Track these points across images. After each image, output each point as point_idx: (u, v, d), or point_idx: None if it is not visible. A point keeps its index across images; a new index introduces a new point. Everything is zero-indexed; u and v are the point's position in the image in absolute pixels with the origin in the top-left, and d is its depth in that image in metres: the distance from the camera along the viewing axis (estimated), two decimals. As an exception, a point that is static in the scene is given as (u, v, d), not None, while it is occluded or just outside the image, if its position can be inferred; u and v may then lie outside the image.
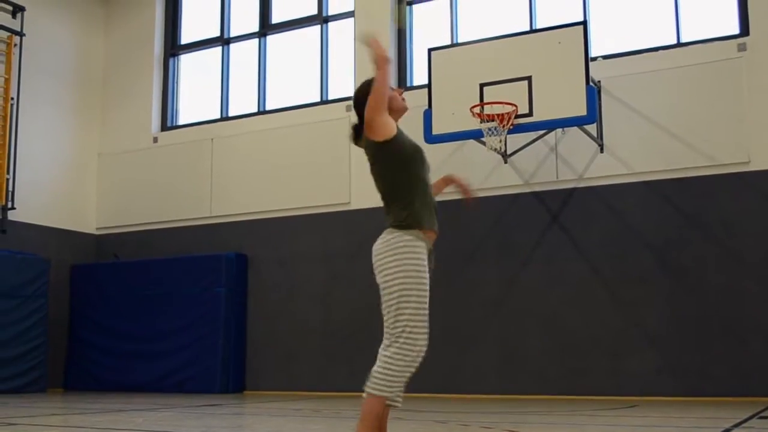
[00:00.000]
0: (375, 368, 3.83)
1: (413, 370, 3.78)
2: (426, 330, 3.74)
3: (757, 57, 8.60)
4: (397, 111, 4.03)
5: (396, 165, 3.88)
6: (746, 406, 7.30)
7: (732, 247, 8.45)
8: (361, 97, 3.95)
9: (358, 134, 4.02)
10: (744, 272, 8.37)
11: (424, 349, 3.77)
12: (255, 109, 11.78)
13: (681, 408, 7.51)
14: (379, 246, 3.90)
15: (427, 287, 3.79)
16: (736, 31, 8.90)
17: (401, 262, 3.79)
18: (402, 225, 3.85)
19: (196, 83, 12.65)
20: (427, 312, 3.76)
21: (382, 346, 3.79)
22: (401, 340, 3.74)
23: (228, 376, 10.66)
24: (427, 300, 3.78)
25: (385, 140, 3.84)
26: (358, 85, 4.07)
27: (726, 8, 9.02)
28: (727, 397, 8.13)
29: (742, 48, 8.69)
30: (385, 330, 3.80)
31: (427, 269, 3.83)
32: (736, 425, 5.70)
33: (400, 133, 3.88)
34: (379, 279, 3.87)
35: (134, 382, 11.01)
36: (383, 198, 3.93)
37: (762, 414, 6.53)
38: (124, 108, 12.56)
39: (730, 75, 8.68)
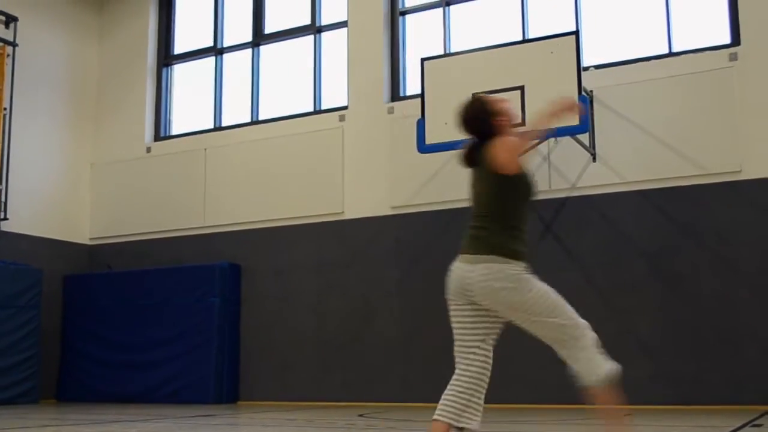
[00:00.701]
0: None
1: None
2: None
3: (749, 67, 8.64)
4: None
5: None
6: (740, 414, 7.31)
7: (725, 255, 8.48)
8: (478, 115, 4.05)
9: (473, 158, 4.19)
10: (737, 280, 8.39)
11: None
12: (248, 119, 11.79)
13: (674, 416, 7.53)
14: None
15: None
16: (727, 41, 8.94)
17: None
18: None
19: (189, 93, 12.66)
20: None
21: None
22: None
23: (222, 386, 10.64)
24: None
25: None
26: (467, 102, 4.13)
27: (717, 18, 9.06)
28: (721, 405, 8.14)
29: (733, 58, 8.73)
30: None
31: None
32: (730, 433, 5.72)
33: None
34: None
35: (128, 393, 10.97)
36: None
37: (755, 422, 6.55)
38: (117, 118, 12.57)
39: (721, 85, 8.72)
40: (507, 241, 3.90)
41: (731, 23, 8.94)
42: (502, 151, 3.83)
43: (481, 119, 4.03)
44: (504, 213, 3.98)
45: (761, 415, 7.20)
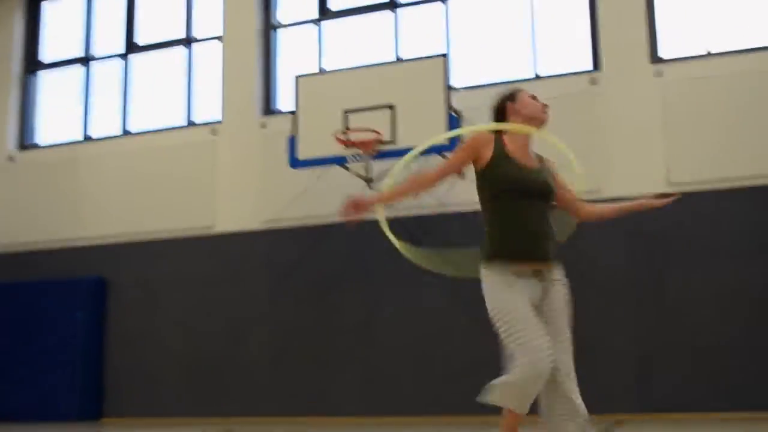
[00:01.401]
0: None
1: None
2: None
3: (607, 91, 9.05)
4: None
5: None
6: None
7: (584, 275, 8.81)
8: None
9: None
10: (594, 298, 8.73)
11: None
12: (119, 131, 11.55)
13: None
14: None
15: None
16: (589, 66, 9.34)
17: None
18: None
19: (58, 102, 12.32)
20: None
21: None
22: None
23: (85, 403, 10.36)
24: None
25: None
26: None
27: (579, 44, 9.46)
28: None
29: (593, 82, 9.12)
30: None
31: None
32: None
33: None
34: None
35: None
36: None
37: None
38: (-22, 125, 12.12)
39: (583, 108, 9.09)
40: (489, 242, 3.87)
41: (592, 49, 9.34)
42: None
43: (501, 106, 4.11)
44: (487, 211, 3.93)
45: (614, 424, 7.50)
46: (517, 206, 3.83)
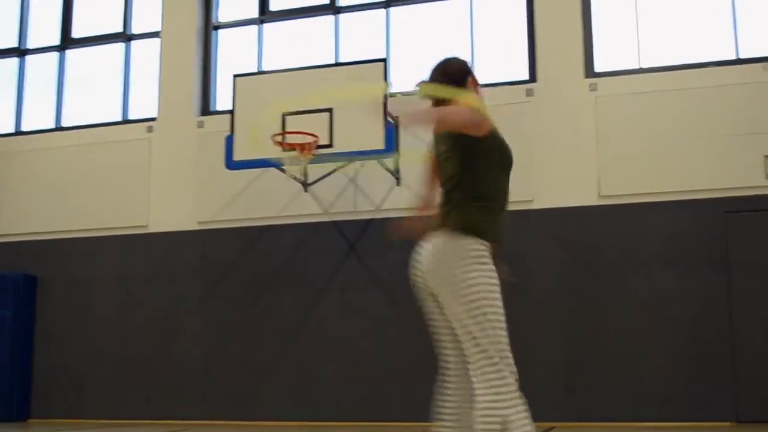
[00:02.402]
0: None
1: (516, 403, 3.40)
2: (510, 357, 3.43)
3: (542, 102, 9.18)
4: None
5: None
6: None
7: (515, 282, 8.91)
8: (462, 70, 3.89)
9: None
10: (525, 304, 8.85)
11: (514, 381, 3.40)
12: (52, 125, 11.36)
13: None
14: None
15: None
16: (525, 77, 9.47)
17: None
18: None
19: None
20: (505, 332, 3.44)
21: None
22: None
23: (11, 404, 10.16)
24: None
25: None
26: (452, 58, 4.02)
27: (517, 55, 9.58)
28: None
29: (529, 93, 9.26)
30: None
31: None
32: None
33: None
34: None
35: None
36: None
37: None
38: None
39: (518, 118, 9.19)
40: (475, 213, 3.51)
41: (529, 61, 9.47)
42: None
43: (461, 76, 3.83)
44: (472, 181, 3.57)
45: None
46: (504, 182, 3.66)
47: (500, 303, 3.42)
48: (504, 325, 3.42)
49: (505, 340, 3.39)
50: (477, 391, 3.34)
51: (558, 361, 8.69)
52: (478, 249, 3.44)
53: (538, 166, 9.06)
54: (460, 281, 3.38)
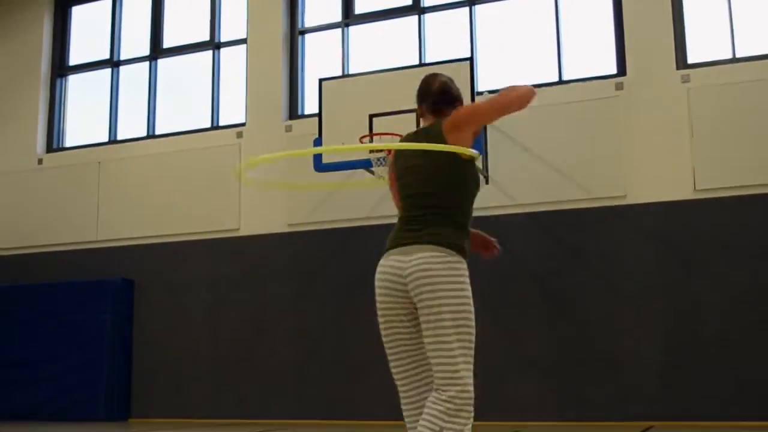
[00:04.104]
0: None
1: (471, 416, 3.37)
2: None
3: (633, 96, 9.01)
4: None
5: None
6: (621, 430, 7.58)
7: (609, 278, 8.79)
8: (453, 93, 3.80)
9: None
10: (619, 303, 8.70)
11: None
12: (144, 134, 11.64)
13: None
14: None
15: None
16: (614, 71, 9.31)
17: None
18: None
19: (84, 105, 12.43)
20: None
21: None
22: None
23: (113, 403, 10.44)
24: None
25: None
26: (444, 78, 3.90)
27: (605, 49, 9.43)
28: (605, 421, 8.43)
29: (619, 87, 9.09)
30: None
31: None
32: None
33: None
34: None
35: (14, 410, 10.64)
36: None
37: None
38: (8, 128, 12.23)
39: (608, 113, 9.06)
40: (457, 234, 3.51)
41: (617, 54, 9.30)
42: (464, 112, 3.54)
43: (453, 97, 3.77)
44: (456, 205, 3.58)
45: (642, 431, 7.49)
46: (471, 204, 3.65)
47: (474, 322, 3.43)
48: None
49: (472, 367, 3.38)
50: (433, 406, 3.29)
51: (654, 359, 8.51)
52: (466, 269, 3.47)
53: (631, 160, 8.90)
54: (457, 299, 3.37)
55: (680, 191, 8.71)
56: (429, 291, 3.38)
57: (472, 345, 3.38)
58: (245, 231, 10.50)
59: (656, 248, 8.71)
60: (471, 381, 3.33)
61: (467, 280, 3.44)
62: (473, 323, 3.40)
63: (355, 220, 9.83)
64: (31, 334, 10.95)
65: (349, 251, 9.80)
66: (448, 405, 3.28)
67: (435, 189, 3.57)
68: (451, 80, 3.88)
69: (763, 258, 8.29)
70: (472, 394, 3.32)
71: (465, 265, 3.46)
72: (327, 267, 9.91)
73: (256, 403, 10.01)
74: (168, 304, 10.71)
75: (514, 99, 3.54)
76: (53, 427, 9.36)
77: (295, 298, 10.04)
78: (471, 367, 3.36)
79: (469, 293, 3.41)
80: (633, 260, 8.75)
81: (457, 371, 3.30)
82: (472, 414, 3.34)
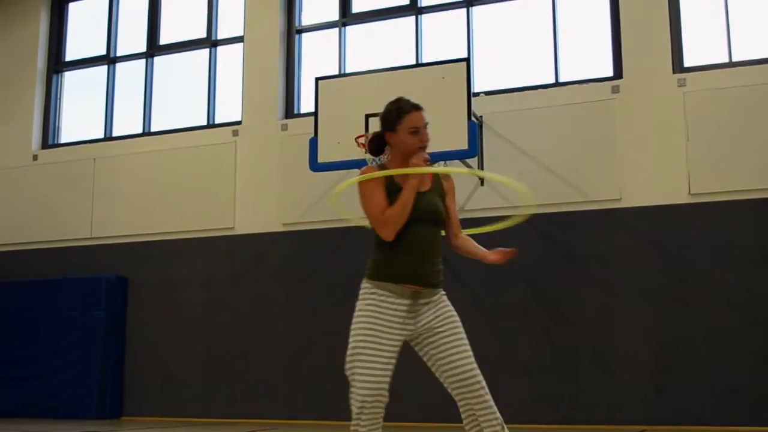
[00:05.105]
0: None
1: (365, 424, 3.70)
2: (369, 380, 3.71)
3: (629, 99, 9.02)
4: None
5: None
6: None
7: (603, 280, 8.79)
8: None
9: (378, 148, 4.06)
10: (613, 305, 8.71)
11: (367, 402, 3.69)
12: (140, 130, 11.63)
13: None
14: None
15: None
16: (610, 73, 9.31)
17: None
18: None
19: (80, 101, 12.41)
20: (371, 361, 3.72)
21: None
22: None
23: (105, 401, 10.42)
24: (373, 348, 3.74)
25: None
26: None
27: (601, 51, 9.43)
28: (597, 425, 8.44)
29: (615, 90, 9.10)
30: None
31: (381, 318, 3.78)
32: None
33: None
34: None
35: (5, 408, 10.63)
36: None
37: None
38: (2, 124, 12.21)
39: (604, 115, 9.07)
40: (377, 259, 3.89)
41: (614, 57, 9.31)
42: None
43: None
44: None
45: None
46: (406, 232, 3.84)
47: None
48: None
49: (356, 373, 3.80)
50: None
51: (647, 362, 8.52)
52: (368, 288, 3.99)
53: (626, 163, 8.90)
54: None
55: (675, 195, 8.72)
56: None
57: (357, 353, 3.73)
58: (240, 230, 10.49)
59: (650, 252, 8.71)
60: (357, 385, 3.69)
61: (366, 299, 3.85)
62: (357, 336, 3.77)
63: (350, 221, 9.81)
64: (23, 330, 10.93)
65: (344, 251, 9.79)
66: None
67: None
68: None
69: (757, 263, 8.30)
70: (356, 397, 3.68)
71: (369, 286, 3.84)
72: (321, 267, 9.90)
73: (248, 403, 10.00)
74: (162, 302, 10.70)
75: None
76: (45, 425, 9.34)
77: (288, 297, 10.03)
78: (362, 368, 3.69)
79: (362, 312, 3.82)
80: (627, 263, 8.75)
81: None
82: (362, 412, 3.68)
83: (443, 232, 4.12)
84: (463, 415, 3.83)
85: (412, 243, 3.81)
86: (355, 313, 3.82)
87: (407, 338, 3.87)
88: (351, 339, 3.76)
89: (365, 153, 8.53)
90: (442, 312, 3.86)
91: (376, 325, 3.73)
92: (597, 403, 8.56)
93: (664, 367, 8.44)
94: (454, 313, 3.94)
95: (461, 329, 3.88)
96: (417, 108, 3.92)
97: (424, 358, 3.89)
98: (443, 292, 4.01)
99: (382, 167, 3.98)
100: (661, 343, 8.50)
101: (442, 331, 3.81)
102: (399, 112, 3.92)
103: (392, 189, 3.84)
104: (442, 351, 3.78)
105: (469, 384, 3.75)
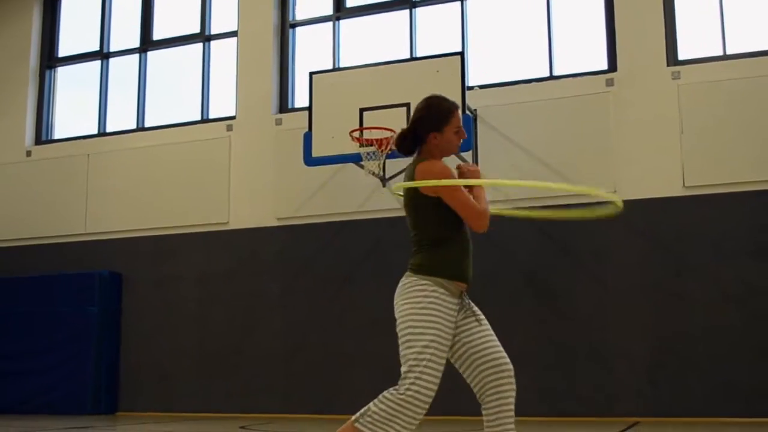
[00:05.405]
0: (372, 404, 3.74)
1: (413, 415, 3.64)
2: (433, 378, 3.63)
3: (623, 92, 9.02)
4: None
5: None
6: (610, 425, 7.60)
7: (598, 274, 8.80)
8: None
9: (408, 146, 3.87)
10: (608, 298, 8.72)
11: (425, 398, 3.62)
12: (133, 126, 11.60)
13: (548, 427, 7.76)
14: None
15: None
16: (604, 66, 9.32)
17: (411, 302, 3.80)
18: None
19: (73, 97, 12.38)
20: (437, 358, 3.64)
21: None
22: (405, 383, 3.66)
23: (99, 397, 10.41)
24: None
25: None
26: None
27: (596, 45, 9.43)
28: (592, 417, 8.45)
29: (609, 83, 9.10)
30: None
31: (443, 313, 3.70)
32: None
33: None
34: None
35: (1, 404, 10.61)
36: None
37: (621, 434, 6.83)
38: (-4, 120, 12.19)
39: (598, 109, 9.07)
40: (433, 256, 3.83)
41: (608, 50, 9.31)
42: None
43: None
44: (439, 233, 3.85)
45: (628, 427, 7.50)
46: (459, 231, 3.80)
47: None
48: None
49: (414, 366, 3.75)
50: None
51: (642, 355, 8.53)
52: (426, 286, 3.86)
53: (620, 156, 8.91)
54: (402, 312, 3.92)
55: (669, 188, 8.74)
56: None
57: (414, 348, 3.66)
58: (234, 225, 10.47)
59: (645, 244, 8.72)
60: (412, 379, 3.63)
61: (427, 295, 3.72)
62: (414, 331, 3.69)
63: (344, 214, 9.82)
64: (18, 326, 10.91)
65: (338, 245, 9.79)
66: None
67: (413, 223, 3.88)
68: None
69: (752, 255, 8.32)
70: (409, 390, 3.63)
71: (428, 282, 3.74)
72: (315, 261, 9.89)
73: (243, 397, 10.00)
74: (156, 298, 10.68)
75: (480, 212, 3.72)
76: (40, 421, 9.32)
77: (283, 291, 10.03)
78: (412, 366, 3.64)
79: (426, 309, 3.69)
80: (622, 256, 8.76)
81: (403, 369, 3.68)
82: (415, 404, 3.64)
83: None
84: (485, 406, 3.79)
85: (465, 242, 3.79)
86: (414, 308, 3.70)
87: None
88: (417, 334, 3.65)
89: (359, 147, 8.54)
90: (467, 304, 3.85)
91: (442, 323, 3.66)
92: (592, 395, 8.57)
93: (659, 360, 8.46)
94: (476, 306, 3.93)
95: (487, 321, 3.90)
96: (457, 107, 3.87)
97: (451, 351, 3.82)
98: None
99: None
100: (655, 336, 8.51)
101: (474, 321, 3.82)
102: (447, 111, 3.80)
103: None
104: (476, 340, 3.76)
105: (506, 370, 3.81)
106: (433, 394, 3.61)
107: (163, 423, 9.06)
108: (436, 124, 3.76)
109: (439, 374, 3.61)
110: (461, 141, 3.89)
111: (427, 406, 3.62)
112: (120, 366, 10.71)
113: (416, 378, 3.58)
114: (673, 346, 8.43)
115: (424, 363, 3.58)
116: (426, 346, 3.60)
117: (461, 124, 3.85)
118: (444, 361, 3.64)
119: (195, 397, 10.23)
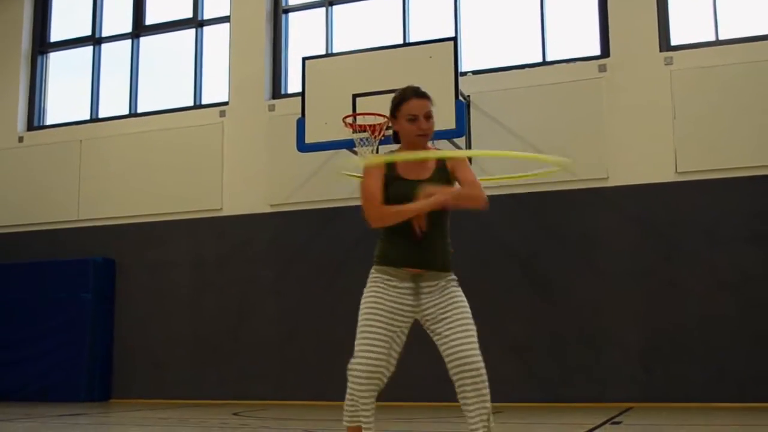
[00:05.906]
0: None
1: (356, 393, 3.86)
2: (364, 356, 3.83)
3: (616, 78, 9.02)
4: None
5: None
6: (602, 411, 7.64)
7: (591, 259, 8.82)
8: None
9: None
10: (601, 284, 8.74)
11: (360, 374, 3.84)
12: (126, 112, 11.56)
13: (541, 413, 7.80)
14: None
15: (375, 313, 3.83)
16: (597, 52, 9.30)
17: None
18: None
19: (65, 83, 12.33)
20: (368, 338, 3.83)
21: None
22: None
23: (94, 384, 10.42)
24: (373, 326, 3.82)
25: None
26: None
27: (588, 30, 9.42)
28: (585, 402, 8.49)
29: (602, 69, 9.09)
30: None
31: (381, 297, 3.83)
32: (592, 429, 5.99)
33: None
34: None
35: (-7, 391, 10.63)
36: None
37: (615, 419, 6.86)
38: (-12, 106, 12.13)
39: (591, 94, 9.07)
40: (379, 245, 3.91)
41: (601, 36, 9.30)
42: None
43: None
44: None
45: (621, 413, 7.54)
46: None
47: None
48: None
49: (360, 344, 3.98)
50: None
51: (635, 341, 8.56)
52: (373, 274, 4.01)
53: (613, 142, 8.92)
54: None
55: (662, 173, 8.75)
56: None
57: (359, 332, 3.89)
58: (227, 211, 10.47)
59: (638, 230, 8.74)
60: (354, 360, 3.86)
61: (370, 284, 3.91)
62: (361, 318, 3.90)
63: (337, 201, 9.81)
64: (11, 313, 10.89)
65: (331, 232, 9.79)
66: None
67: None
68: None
69: (744, 241, 8.34)
70: (349, 371, 3.87)
71: (373, 271, 3.91)
72: (309, 247, 9.90)
73: (237, 384, 10.01)
74: (150, 284, 10.68)
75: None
76: (33, 408, 9.32)
77: (276, 278, 10.03)
78: (359, 344, 3.88)
79: (366, 296, 3.91)
80: (614, 242, 8.78)
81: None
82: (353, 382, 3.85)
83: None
84: (459, 397, 3.85)
85: (410, 228, 3.75)
86: (363, 297, 3.92)
87: (417, 320, 3.90)
88: (361, 320, 3.88)
89: (353, 133, 8.53)
90: (448, 297, 3.86)
91: (378, 307, 3.81)
92: (585, 381, 8.61)
93: (652, 346, 8.49)
94: (461, 299, 3.91)
95: (466, 316, 3.85)
96: (418, 95, 3.84)
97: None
98: (453, 277, 3.96)
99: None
100: (648, 322, 8.54)
101: (446, 318, 3.81)
102: (399, 100, 3.85)
103: (390, 178, 3.78)
104: (445, 337, 3.78)
105: (468, 371, 3.75)
106: (368, 374, 3.78)
107: (157, 409, 9.07)
108: (392, 113, 3.88)
109: (375, 354, 3.78)
110: (424, 130, 3.82)
111: (367, 387, 3.80)
112: (114, 352, 10.71)
113: (353, 358, 3.84)
114: (666, 333, 8.46)
115: (360, 344, 3.84)
116: (362, 330, 3.84)
117: (419, 112, 3.81)
118: (382, 343, 3.80)
119: (188, 383, 10.25)
